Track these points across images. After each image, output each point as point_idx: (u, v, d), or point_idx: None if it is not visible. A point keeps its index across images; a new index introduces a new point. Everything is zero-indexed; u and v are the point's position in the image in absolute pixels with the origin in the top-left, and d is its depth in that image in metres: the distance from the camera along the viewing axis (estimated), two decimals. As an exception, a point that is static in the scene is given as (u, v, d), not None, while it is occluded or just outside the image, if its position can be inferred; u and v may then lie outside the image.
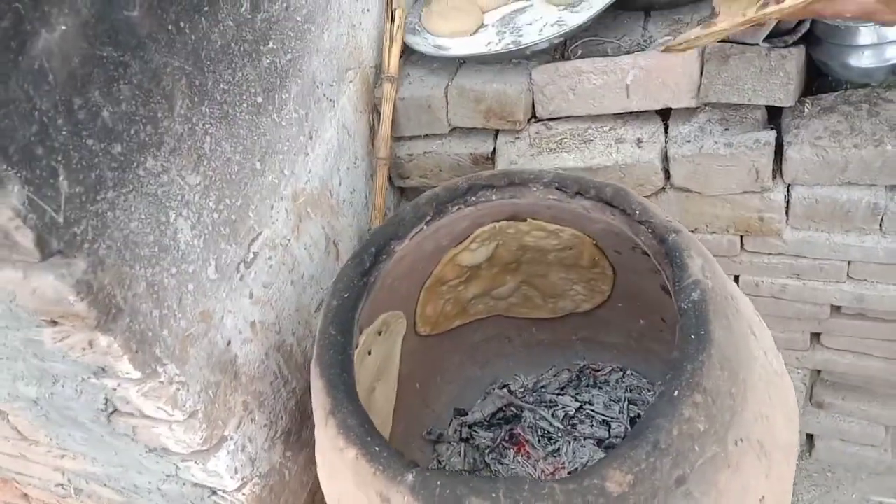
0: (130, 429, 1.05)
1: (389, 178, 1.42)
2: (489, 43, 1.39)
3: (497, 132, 1.35)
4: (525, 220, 1.10)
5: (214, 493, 1.17)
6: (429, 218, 1.00)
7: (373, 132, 1.39)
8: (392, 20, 1.34)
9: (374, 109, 1.38)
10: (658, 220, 0.90)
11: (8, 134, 0.69)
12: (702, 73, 1.17)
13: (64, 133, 0.75)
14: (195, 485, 1.16)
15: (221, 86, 0.97)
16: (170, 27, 0.87)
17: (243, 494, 1.14)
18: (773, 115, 1.19)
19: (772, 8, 0.87)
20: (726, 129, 1.18)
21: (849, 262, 1.22)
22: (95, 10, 0.77)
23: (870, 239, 1.17)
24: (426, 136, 1.39)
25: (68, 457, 1.26)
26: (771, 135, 1.14)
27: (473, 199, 1.01)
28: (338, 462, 0.84)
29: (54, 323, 0.87)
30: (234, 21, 0.97)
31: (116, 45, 0.80)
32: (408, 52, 1.40)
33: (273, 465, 1.18)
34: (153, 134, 0.86)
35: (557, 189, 0.97)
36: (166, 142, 0.88)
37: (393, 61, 1.33)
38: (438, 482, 0.75)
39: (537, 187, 0.99)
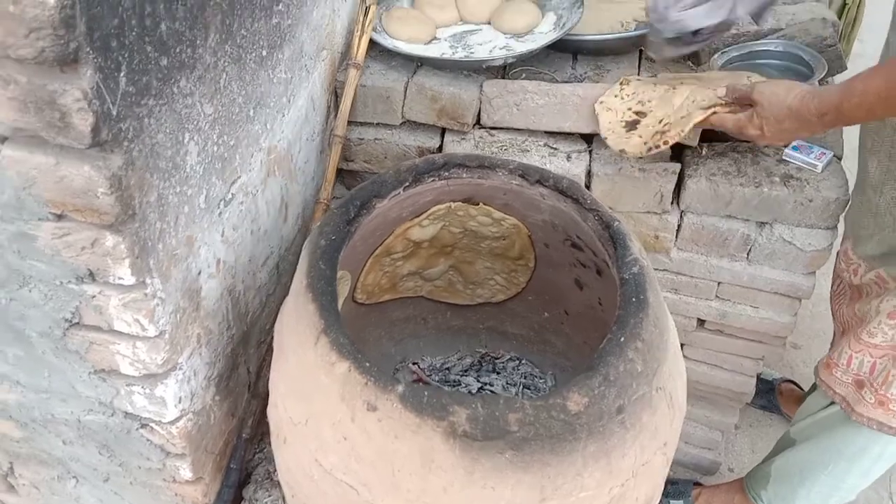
0: (85, 345, 1.06)
1: (336, 158, 1.52)
2: (443, 54, 1.56)
3: (444, 130, 1.51)
4: (478, 205, 1.25)
5: (144, 425, 1.18)
6: (407, 184, 1.13)
7: (329, 111, 1.50)
8: (365, 14, 1.47)
9: (335, 92, 1.49)
10: (604, 210, 1.09)
11: (97, 19, 0.75)
12: (627, 109, 1.41)
13: (134, 33, 0.81)
14: (126, 415, 1.17)
15: (242, 31, 1.05)
16: (219, -35, 0.95)
17: (176, 428, 1.17)
18: (678, 151, 1.44)
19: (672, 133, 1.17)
20: (640, 158, 1.42)
21: (718, 283, 1.49)
22: (175, -69, 0.84)
23: (738, 265, 1.45)
24: (378, 124, 1.51)
25: (-20, 379, 1.21)
26: (677, 166, 1.39)
27: (447, 174, 1.15)
28: (323, 378, 0.93)
29: (59, 218, 0.89)
30: (261, -24, 1.06)
31: (183, -32, 0.87)
32: (371, 46, 1.53)
33: (205, 405, 1.22)
34: (190, 57, 0.93)
35: (521, 176, 1.14)
36: (197, 68, 0.95)
37: (361, 50, 1.45)
38: (426, 392, 0.87)
39: (503, 172, 1.15)
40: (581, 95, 1.41)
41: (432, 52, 1.55)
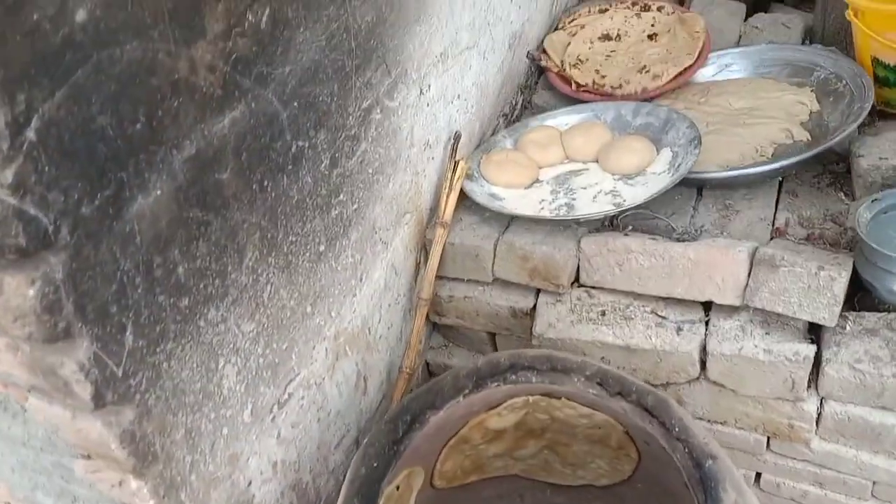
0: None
1: (426, 317, 1.43)
2: (542, 200, 1.43)
3: (538, 290, 1.37)
4: (559, 399, 1.10)
5: None
6: (467, 391, 1.01)
7: (418, 268, 1.42)
8: (454, 170, 1.38)
9: (423, 249, 1.41)
10: (696, 441, 0.90)
11: (88, 294, 0.71)
12: (749, 276, 1.19)
13: (139, 291, 0.77)
14: None
15: (290, 238, 0.99)
16: (254, 186, 0.90)
17: None
18: (815, 328, 1.20)
19: None
20: (767, 334, 1.19)
21: (874, 482, 1.21)
22: (191, 175, 0.80)
23: (899, 466, 1.17)
24: (468, 280, 1.41)
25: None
26: (811, 349, 1.15)
27: (513, 377, 1.02)
28: None
29: (88, 457, 0.87)
30: (312, 178, 1.01)
31: (203, 207, 0.83)
32: (462, 196, 1.44)
33: None
34: (220, 287, 0.88)
35: (598, 384, 0.98)
36: (230, 293, 0.90)
37: (449, 209, 1.36)
38: None
39: (579, 378, 1.00)
40: (692, 258, 1.22)
41: (530, 201, 1.42)
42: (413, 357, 1.36)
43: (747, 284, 1.20)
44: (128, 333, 0.77)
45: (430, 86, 1.31)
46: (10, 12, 0.58)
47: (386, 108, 1.17)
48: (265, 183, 0.92)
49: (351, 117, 1.08)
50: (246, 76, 0.85)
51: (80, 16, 0.64)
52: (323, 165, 1.03)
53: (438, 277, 1.42)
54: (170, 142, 0.76)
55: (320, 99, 1.00)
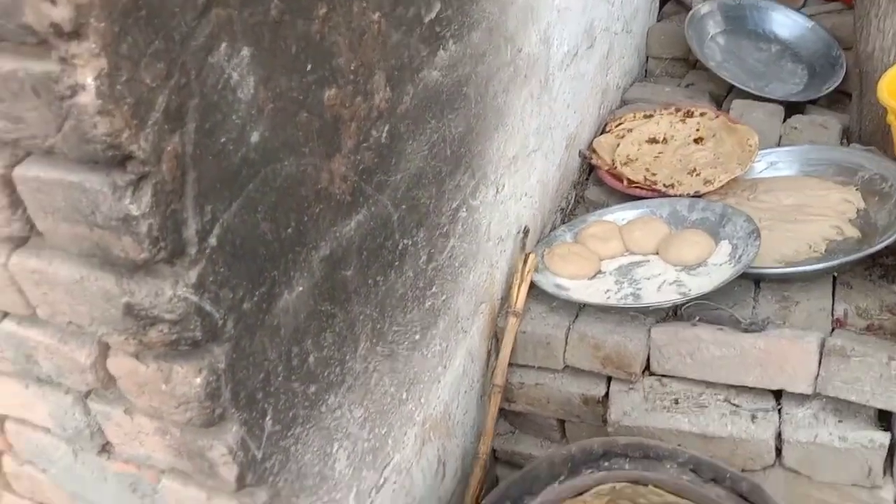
0: None
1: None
2: (608, 290, 1.50)
3: (609, 378, 1.42)
4: (646, 486, 1.14)
5: None
6: (562, 478, 1.05)
7: (490, 356, 1.48)
8: (525, 262, 1.46)
9: (495, 337, 1.48)
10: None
11: (242, 382, 0.78)
12: (819, 365, 1.24)
13: (280, 378, 0.84)
14: None
15: (394, 328, 1.07)
16: (369, 281, 0.98)
17: None
18: (886, 416, 1.24)
19: None
20: (840, 421, 1.23)
21: (957, 572, 1.22)
22: (324, 272, 0.88)
23: (982, 555, 1.18)
24: (539, 367, 1.46)
25: None
26: (886, 437, 1.19)
27: (607, 464, 1.06)
28: None
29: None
30: (413, 272, 1.09)
31: (332, 301, 0.90)
32: (529, 287, 1.51)
33: None
34: (339, 374, 0.95)
35: (692, 471, 1.02)
36: (346, 380, 0.97)
37: (520, 299, 1.43)
38: None
39: (672, 465, 1.04)
40: (763, 349, 1.28)
41: (595, 290, 1.50)
42: (489, 443, 1.40)
43: (818, 373, 1.24)
44: (268, 418, 0.83)
45: (504, 185, 1.40)
46: (207, 135, 0.68)
47: (470, 206, 1.27)
48: (378, 278, 1.00)
49: (444, 216, 1.17)
50: (369, 184, 0.94)
51: (255, 137, 0.74)
52: (421, 261, 1.11)
53: (509, 365, 1.47)
54: (311, 243, 0.85)
55: (422, 201, 1.09)
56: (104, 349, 0.77)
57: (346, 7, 0.83)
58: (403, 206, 1.04)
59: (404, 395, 1.14)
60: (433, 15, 1.02)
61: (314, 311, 0.88)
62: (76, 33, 0.50)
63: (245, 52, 0.69)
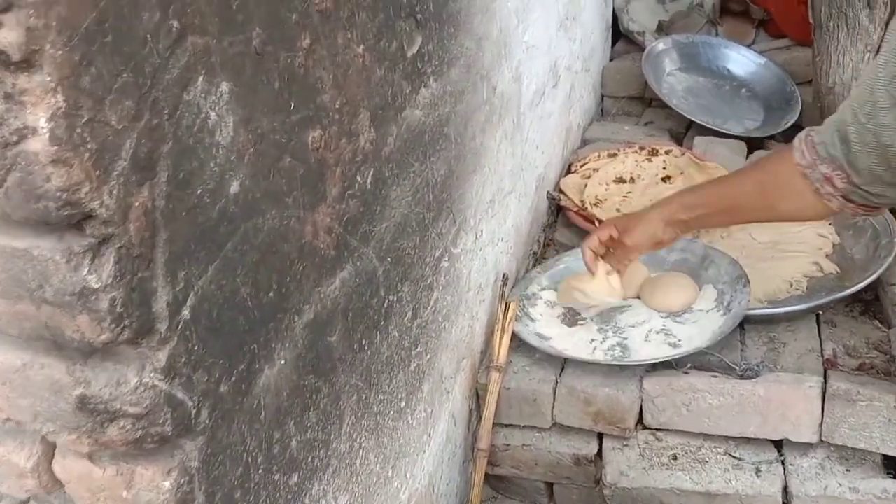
0: None
1: (482, 468, 1.37)
2: (592, 340, 1.41)
3: (600, 434, 1.32)
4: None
5: None
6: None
7: (471, 416, 1.36)
8: (505, 311, 1.36)
9: (476, 394, 1.37)
10: None
11: (218, 481, 0.65)
12: (823, 412, 1.18)
13: (260, 471, 0.71)
14: None
15: (380, 397, 0.95)
16: (355, 346, 0.87)
17: None
18: (893, 462, 1.18)
19: None
20: (847, 471, 1.17)
21: None
22: (308, 340, 0.76)
23: None
24: (525, 426, 1.36)
25: None
26: (899, 486, 1.13)
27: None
28: None
29: None
30: (398, 332, 0.98)
31: (315, 372, 0.79)
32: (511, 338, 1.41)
33: None
34: (324, 458, 0.82)
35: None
36: (331, 464, 0.84)
37: (503, 352, 1.33)
38: None
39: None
40: (763, 396, 1.21)
41: (580, 340, 1.40)
42: (475, 513, 1.28)
43: (823, 421, 1.18)
44: (248, 519, 0.70)
45: (482, 230, 1.31)
46: (181, 187, 0.56)
47: (452, 255, 1.17)
48: (363, 342, 0.88)
49: (427, 267, 1.07)
50: (354, 236, 0.83)
51: (234, 187, 0.62)
52: (406, 318, 1.00)
53: (493, 424, 1.36)
54: (294, 308, 0.73)
55: (406, 252, 0.98)
56: (49, 449, 0.63)
57: (331, 38, 0.73)
58: (388, 259, 0.93)
59: (389, 473, 1.02)
60: (415, 49, 0.93)
61: (297, 387, 0.75)
62: (26, 63, 0.38)
63: (224, 87, 0.58)
